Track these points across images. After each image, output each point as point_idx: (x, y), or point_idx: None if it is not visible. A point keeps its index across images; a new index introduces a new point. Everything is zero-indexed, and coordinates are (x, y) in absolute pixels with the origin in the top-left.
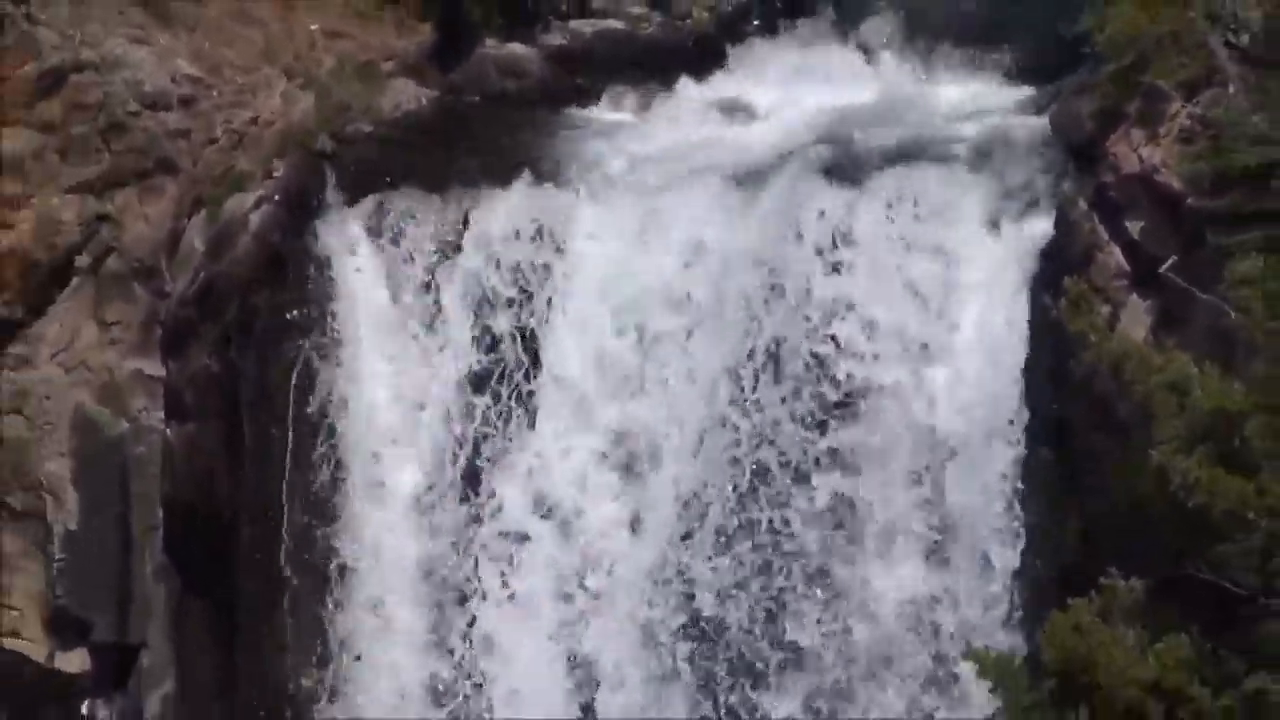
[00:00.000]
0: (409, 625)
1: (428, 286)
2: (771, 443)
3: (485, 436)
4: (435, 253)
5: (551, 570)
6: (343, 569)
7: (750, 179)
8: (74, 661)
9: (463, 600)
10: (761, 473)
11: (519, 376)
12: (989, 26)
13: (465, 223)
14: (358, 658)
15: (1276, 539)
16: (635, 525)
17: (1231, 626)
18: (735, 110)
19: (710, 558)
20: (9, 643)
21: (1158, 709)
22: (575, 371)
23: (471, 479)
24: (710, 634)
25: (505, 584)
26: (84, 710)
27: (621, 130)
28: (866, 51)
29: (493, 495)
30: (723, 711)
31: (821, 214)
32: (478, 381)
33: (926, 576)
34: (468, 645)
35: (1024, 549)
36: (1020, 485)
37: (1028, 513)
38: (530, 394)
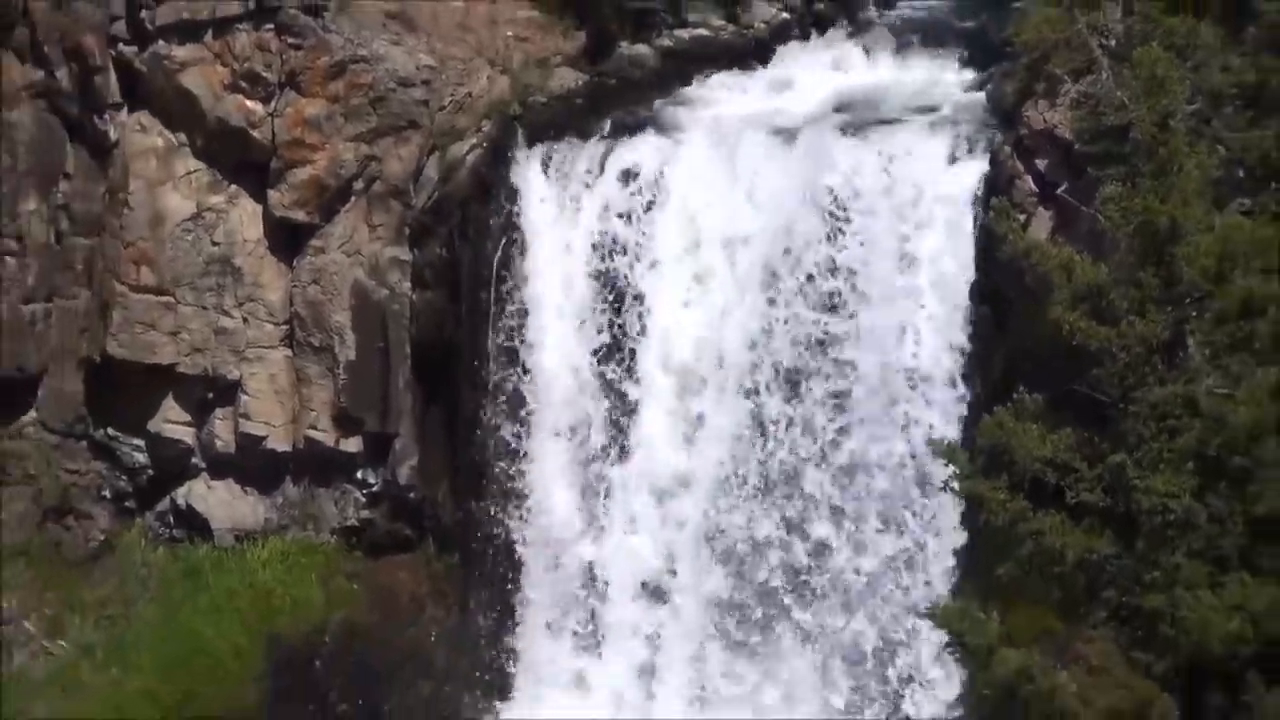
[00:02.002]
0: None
1: (577, 201)
2: (798, 319)
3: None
4: (584, 181)
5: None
6: (521, 396)
7: (789, 133)
8: (352, 445)
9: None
10: (795, 334)
11: (634, 263)
12: (947, 34)
13: (605, 160)
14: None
15: (1130, 367)
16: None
17: (1101, 424)
18: (779, 89)
19: (773, 397)
20: (310, 433)
21: (1051, 473)
22: (673, 259)
23: (611, 327)
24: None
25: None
26: (358, 476)
27: (708, 103)
28: (867, 51)
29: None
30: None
31: (835, 158)
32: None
33: (909, 394)
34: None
35: (964, 373)
36: (968, 329)
37: (971, 348)
38: (642, 264)
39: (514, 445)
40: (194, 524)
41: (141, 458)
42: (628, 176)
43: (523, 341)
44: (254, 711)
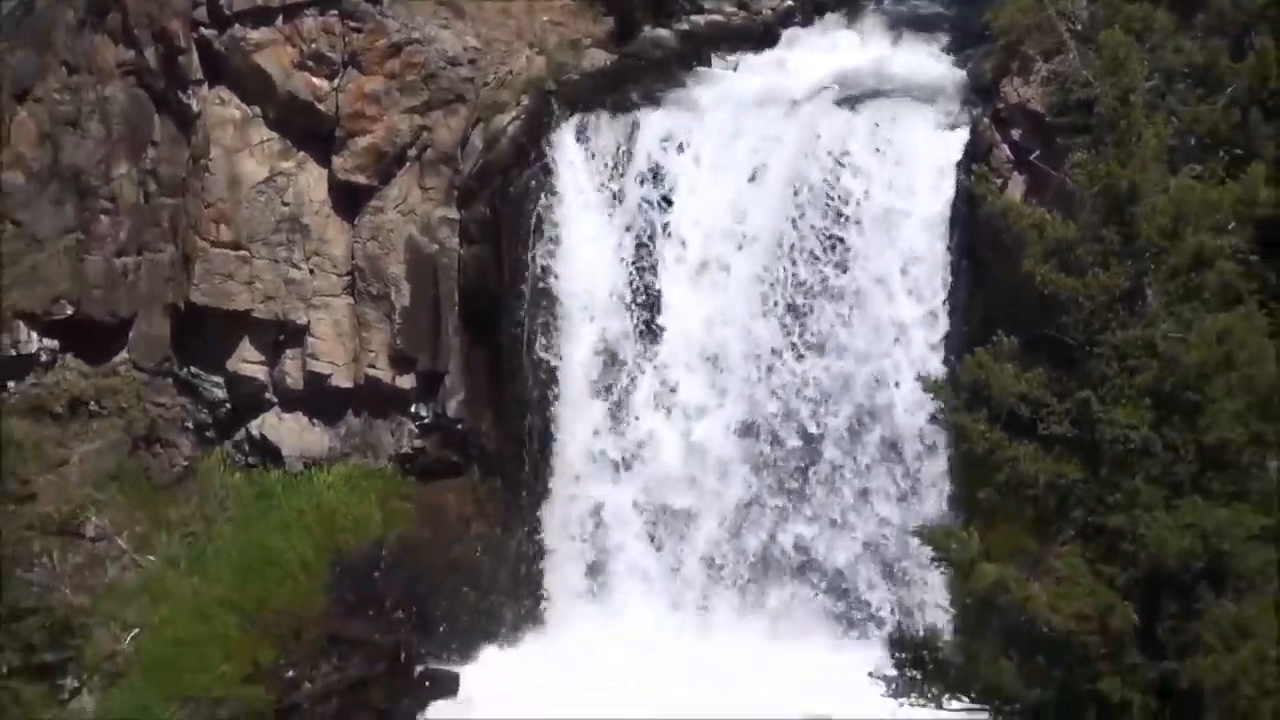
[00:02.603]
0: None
1: (608, 169)
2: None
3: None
4: (614, 149)
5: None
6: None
7: (792, 105)
8: (406, 381)
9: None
10: (808, 260)
11: (660, 214)
12: (933, 20)
13: (632, 131)
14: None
15: (1095, 313)
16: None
17: (1069, 364)
18: (784, 67)
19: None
20: (369, 371)
21: (1025, 407)
22: (694, 216)
23: (642, 272)
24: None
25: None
26: (412, 409)
27: (721, 79)
28: (862, 35)
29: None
30: None
31: (832, 126)
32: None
33: (901, 324)
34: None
35: (951, 318)
36: (945, 284)
37: (953, 297)
38: (667, 213)
39: (551, 368)
40: (266, 451)
41: (220, 393)
42: (653, 143)
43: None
44: (320, 616)
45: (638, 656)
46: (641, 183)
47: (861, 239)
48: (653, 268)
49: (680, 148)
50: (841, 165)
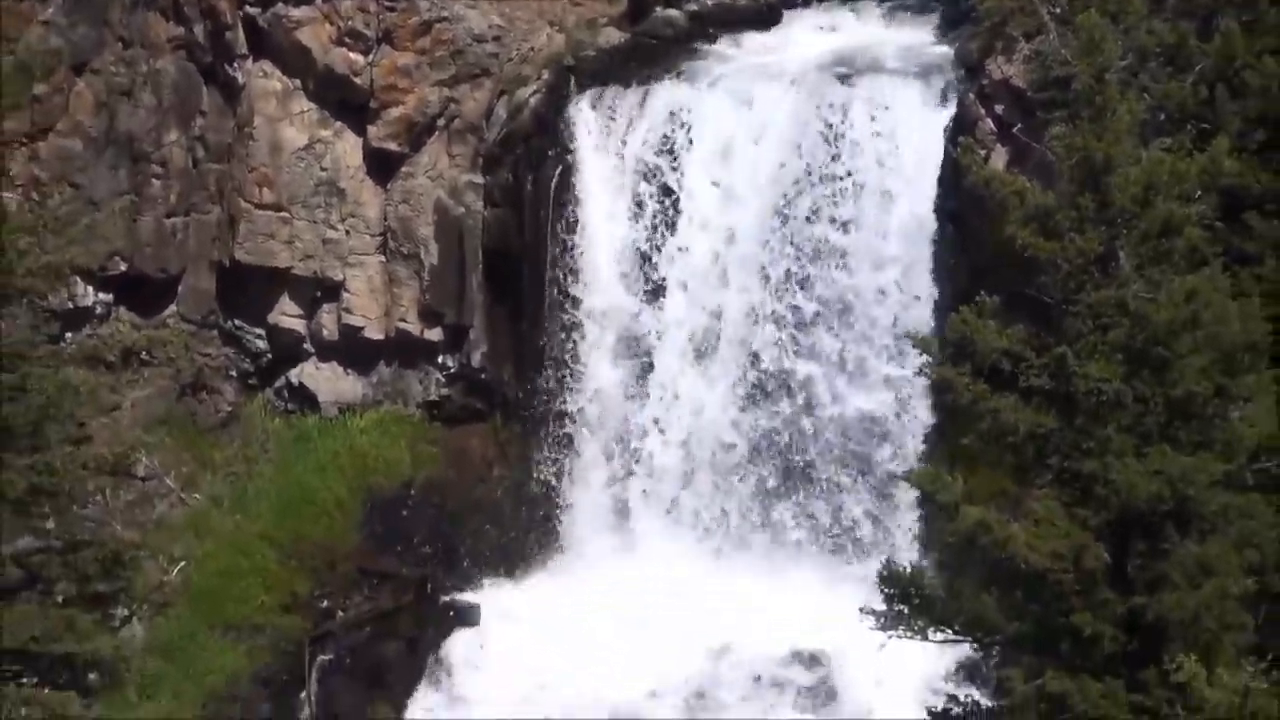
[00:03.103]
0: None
1: (622, 136)
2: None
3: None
4: (626, 119)
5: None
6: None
7: (794, 78)
8: (434, 334)
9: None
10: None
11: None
12: (923, 3)
13: (644, 102)
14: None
15: (1071, 275)
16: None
17: (1047, 322)
18: (786, 45)
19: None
20: (400, 325)
21: (1006, 361)
22: (700, 184)
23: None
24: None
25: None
26: (439, 359)
27: (727, 56)
28: (858, 15)
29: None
30: None
31: (831, 99)
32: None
33: (889, 288)
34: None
35: (937, 279)
36: (933, 247)
37: (937, 260)
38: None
39: (568, 322)
40: (304, 398)
41: (261, 344)
42: (663, 113)
43: (575, 245)
44: (352, 551)
45: (649, 588)
46: (653, 149)
47: (856, 206)
48: (668, 224)
49: (687, 118)
50: (838, 138)
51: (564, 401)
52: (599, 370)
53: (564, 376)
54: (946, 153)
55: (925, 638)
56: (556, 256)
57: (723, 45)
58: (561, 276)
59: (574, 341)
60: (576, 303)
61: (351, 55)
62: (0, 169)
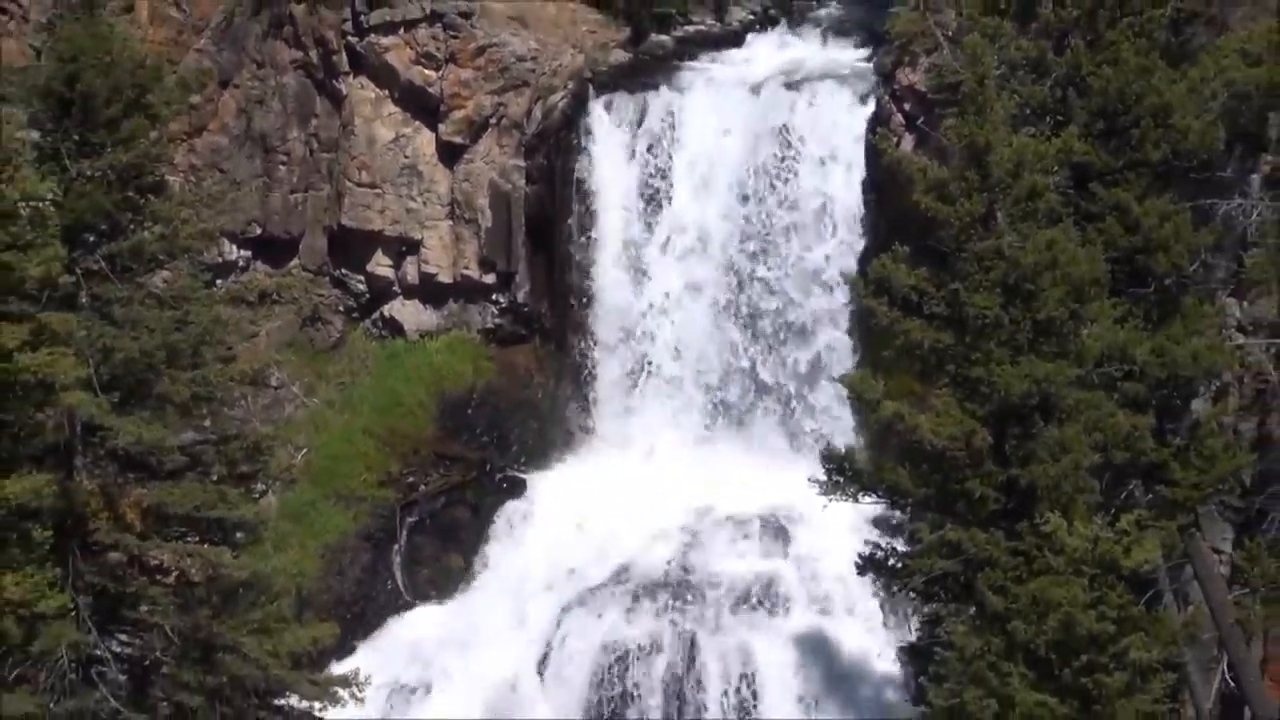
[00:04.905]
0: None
1: (627, 130)
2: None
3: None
4: (632, 120)
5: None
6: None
7: (754, 87)
8: (489, 278)
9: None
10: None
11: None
12: (850, 28)
13: (644, 107)
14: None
15: (962, 230)
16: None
17: (944, 266)
18: (749, 61)
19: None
20: (464, 272)
21: (914, 294)
22: (686, 165)
23: (650, 202)
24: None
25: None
26: (493, 297)
27: (704, 70)
28: (802, 38)
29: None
30: None
31: (782, 100)
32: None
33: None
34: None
35: (862, 233)
36: (858, 211)
37: (862, 223)
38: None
39: (586, 265)
40: (393, 327)
41: (361, 287)
42: (659, 112)
43: (591, 210)
44: (431, 439)
45: (652, 464)
46: (648, 141)
47: (799, 179)
48: (662, 193)
49: (675, 116)
50: (787, 129)
51: (585, 326)
52: (610, 299)
53: (584, 306)
54: (867, 140)
55: (856, 500)
56: (578, 219)
57: (701, 61)
58: (584, 233)
59: (590, 280)
60: (596, 252)
61: (426, 72)
62: (167, 159)
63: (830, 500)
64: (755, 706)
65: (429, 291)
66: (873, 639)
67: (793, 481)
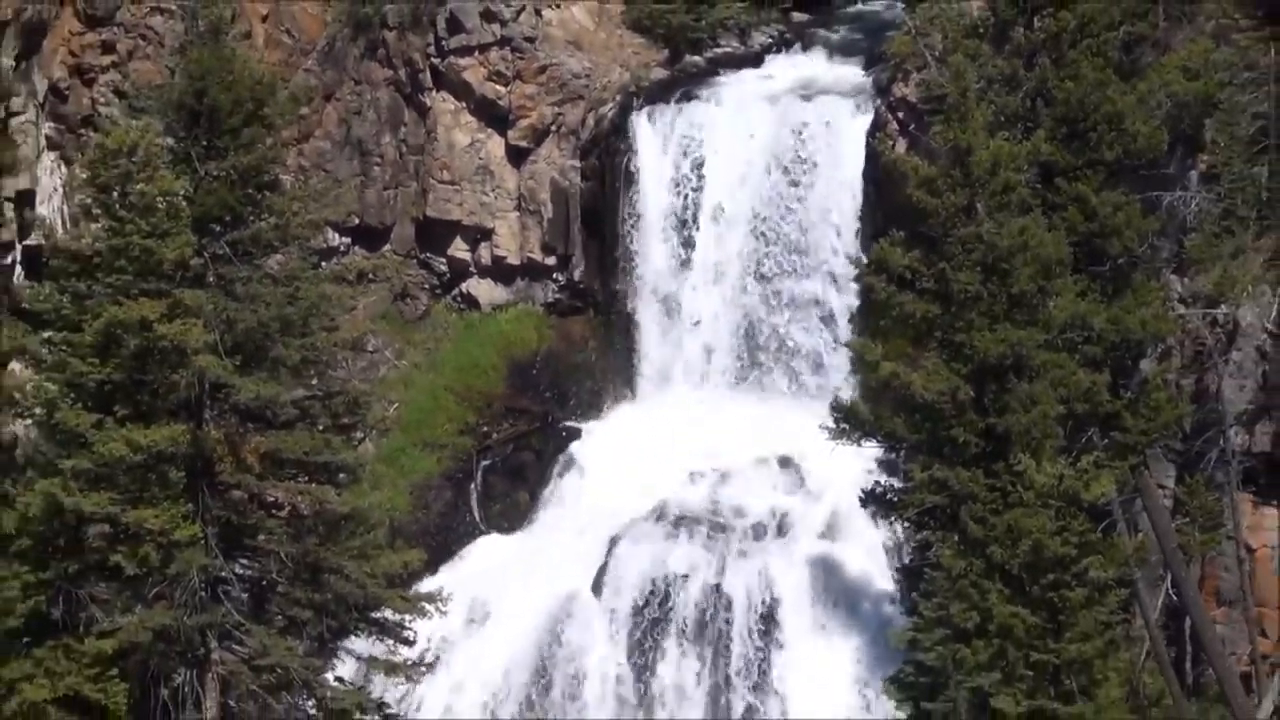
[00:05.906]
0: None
1: (666, 137)
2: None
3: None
4: (669, 126)
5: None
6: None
7: (773, 98)
8: (551, 260)
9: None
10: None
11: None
12: (854, 48)
13: (679, 114)
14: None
15: (948, 218)
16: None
17: (934, 249)
18: (768, 77)
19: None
20: (529, 255)
21: (907, 273)
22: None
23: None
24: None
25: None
26: (554, 276)
27: (729, 83)
28: (812, 57)
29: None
30: None
31: (796, 111)
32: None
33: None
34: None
35: (860, 217)
36: (859, 202)
37: (863, 212)
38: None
39: (633, 249)
40: (470, 301)
41: (444, 268)
42: (691, 121)
43: (636, 202)
44: (502, 395)
45: (688, 415)
46: (684, 145)
47: (812, 176)
48: (696, 188)
49: (706, 124)
50: (801, 134)
51: (630, 298)
52: (652, 275)
53: (630, 281)
54: (868, 143)
55: (859, 444)
56: (625, 211)
57: (727, 78)
58: (630, 221)
59: (636, 262)
60: (640, 236)
61: (496, 87)
62: (280, 161)
63: (837, 444)
64: (775, 617)
65: (500, 271)
66: (873, 562)
67: (806, 428)
